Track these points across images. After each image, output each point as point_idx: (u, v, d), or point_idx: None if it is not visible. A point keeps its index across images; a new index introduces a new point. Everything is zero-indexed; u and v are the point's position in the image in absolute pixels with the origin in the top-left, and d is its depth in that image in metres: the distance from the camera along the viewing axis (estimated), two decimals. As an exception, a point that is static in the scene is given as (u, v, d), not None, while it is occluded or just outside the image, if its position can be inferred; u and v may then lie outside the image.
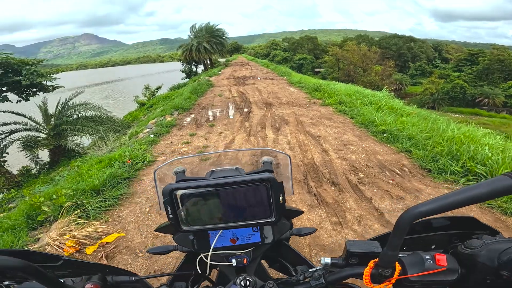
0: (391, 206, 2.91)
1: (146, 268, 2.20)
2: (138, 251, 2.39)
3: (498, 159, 3.49)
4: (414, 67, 52.65)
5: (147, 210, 3.02)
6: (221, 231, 0.66)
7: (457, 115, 24.89)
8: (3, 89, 10.20)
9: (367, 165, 3.91)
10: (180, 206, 0.59)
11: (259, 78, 15.00)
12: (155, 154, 4.63)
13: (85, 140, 10.84)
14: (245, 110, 7.62)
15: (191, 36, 28.05)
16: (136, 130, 7.15)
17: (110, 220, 2.88)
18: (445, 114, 18.37)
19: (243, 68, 22.97)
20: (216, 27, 28.30)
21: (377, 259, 0.50)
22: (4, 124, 10.13)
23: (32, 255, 0.59)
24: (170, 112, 7.70)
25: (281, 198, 0.59)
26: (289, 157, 0.79)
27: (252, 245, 0.69)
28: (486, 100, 33.63)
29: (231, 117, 7.01)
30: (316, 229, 0.89)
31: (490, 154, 3.60)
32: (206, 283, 0.81)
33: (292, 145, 4.78)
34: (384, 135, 4.93)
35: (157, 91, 19.45)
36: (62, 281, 0.47)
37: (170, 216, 0.59)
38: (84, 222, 2.73)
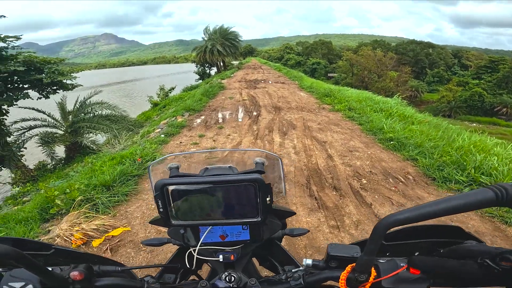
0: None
1: (147, 261, 2.32)
2: (141, 246, 2.51)
3: (504, 169, 3.44)
4: (431, 74, 51.37)
5: (153, 206, 3.14)
6: (210, 227, 0.67)
7: (474, 124, 24.12)
8: (25, 86, 10.67)
9: (371, 171, 3.92)
10: (171, 201, 0.60)
11: (270, 82, 15.10)
12: (164, 154, 4.78)
13: (100, 138, 11.20)
14: (254, 113, 7.72)
15: (205, 38, 28.43)
16: (148, 130, 7.36)
17: (117, 214, 3.02)
18: (461, 123, 17.89)
19: (255, 72, 23.16)
20: (230, 30, 28.55)
21: (354, 264, 0.50)
22: (23, 120, 10.59)
23: (26, 243, 0.60)
24: (181, 113, 7.89)
25: (268, 199, 0.60)
26: (280, 159, 0.82)
27: (241, 242, 0.71)
28: (505, 109, 32.41)
29: (240, 120, 7.12)
30: (309, 231, 0.92)
31: (496, 164, 3.55)
32: (194, 277, 0.84)
33: (298, 149, 4.83)
34: (391, 142, 4.90)
35: (170, 92, 19.84)
36: (50, 269, 0.48)
37: (161, 210, 0.60)
38: (93, 216, 2.87)
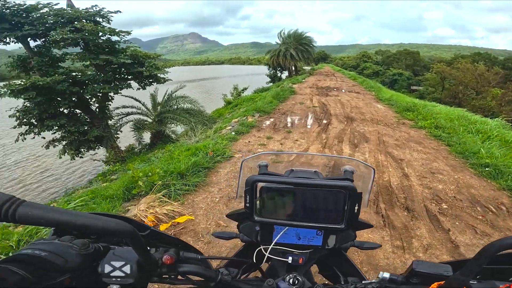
0: (471, 241, 2.58)
1: (203, 251, 2.45)
2: (200, 235, 2.67)
3: None
4: (550, 95, 41.52)
5: (217, 200, 3.33)
6: (287, 227, 0.68)
7: None
8: (129, 77, 12.54)
9: (455, 197, 3.42)
10: (258, 197, 0.63)
11: (343, 91, 14.44)
12: (233, 150, 5.02)
13: (179, 129, 12.41)
14: (324, 121, 7.49)
15: (279, 42, 28.71)
16: (220, 126, 7.83)
17: (185, 203, 3.28)
18: None
19: (328, 79, 22.45)
20: (304, 35, 28.18)
21: (442, 282, 0.48)
22: (124, 107, 12.48)
23: (127, 221, 0.61)
24: (252, 113, 8.17)
25: (356, 208, 0.60)
26: (374, 170, 0.80)
27: (312, 247, 0.70)
28: None
29: (308, 126, 7.00)
30: (381, 245, 0.88)
31: None
32: (255, 273, 0.84)
33: (369, 164, 4.49)
34: (487, 169, 4.17)
35: (243, 92, 20.74)
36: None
37: (247, 204, 0.63)
38: (165, 201, 3.15)
